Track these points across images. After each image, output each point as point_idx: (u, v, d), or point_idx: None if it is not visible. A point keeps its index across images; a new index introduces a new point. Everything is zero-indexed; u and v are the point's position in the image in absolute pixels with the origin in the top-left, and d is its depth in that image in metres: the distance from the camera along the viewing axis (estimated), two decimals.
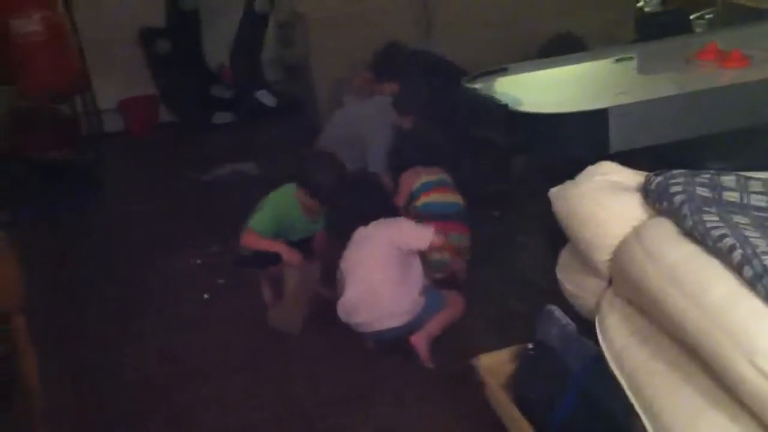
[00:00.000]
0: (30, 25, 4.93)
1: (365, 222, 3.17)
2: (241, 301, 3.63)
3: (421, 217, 3.44)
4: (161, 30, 6.24)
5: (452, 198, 3.61)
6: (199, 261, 4.13)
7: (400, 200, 3.59)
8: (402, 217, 3.32)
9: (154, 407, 2.98)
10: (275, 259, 3.39)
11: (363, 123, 4.23)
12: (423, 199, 3.56)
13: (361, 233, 3.18)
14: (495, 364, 2.65)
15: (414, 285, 3.11)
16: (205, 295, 3.78)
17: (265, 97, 6.39)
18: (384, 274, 3.06)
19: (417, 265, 3.16)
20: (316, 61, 5.07)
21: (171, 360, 3.30)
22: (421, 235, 3.11)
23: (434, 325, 3.07)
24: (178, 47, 6.21)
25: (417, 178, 3.61)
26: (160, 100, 6.50)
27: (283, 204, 3.52)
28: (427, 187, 3.59)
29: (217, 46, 6.37)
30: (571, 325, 2.43)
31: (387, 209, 3.30)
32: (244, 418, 2.87)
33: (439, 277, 3.37)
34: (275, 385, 3.04)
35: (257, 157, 5.37)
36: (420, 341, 3.02)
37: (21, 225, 4.50)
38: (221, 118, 6.34)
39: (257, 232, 3.42)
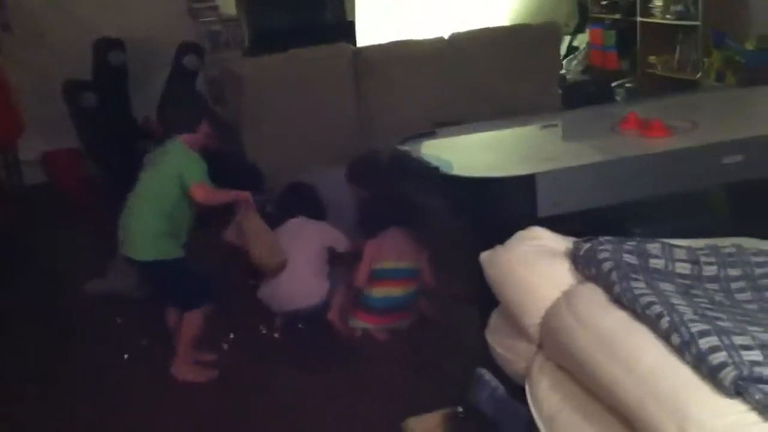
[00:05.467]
0: None
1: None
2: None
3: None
4: (87, 83, 6.15)
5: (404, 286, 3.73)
6: (119, 320, 4.02)
7: (361, 276, 3.68)
8: (326, 223, 3.88)
9: None
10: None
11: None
12: (375, 292, 3.68)
13: (293, 225, 3.80)
14: (425, 428, 2.63)
15: (324, 272, 3.75)
16: (125, 356, 3.68)
17: None
18: (308, 264, 3.69)
19: (326, 255, 3.78)
20: (247, 119, 5.05)
21: None
22: (342, 240, 3.80)
23: (339, 300, 3.71)
24: (104, 101, 6.12)
25: (379, 255, 3.68)
26: (84, 153, 6.38)
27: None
28: (382, 276, 3.68)
29: (145, 100, 6.31)
30: (501, 389, 2.44)
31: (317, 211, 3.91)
32: None
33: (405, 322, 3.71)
34: None
35: None
36: (334, 317, 3.69)
37: None
38: None
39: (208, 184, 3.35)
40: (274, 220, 3.82)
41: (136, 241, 3.37)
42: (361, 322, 3.68)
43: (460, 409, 2.53)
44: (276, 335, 3.72)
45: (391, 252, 3.69)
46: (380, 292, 3.67)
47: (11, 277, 4.70)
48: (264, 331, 3.74)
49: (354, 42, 6.71)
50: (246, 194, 3.50)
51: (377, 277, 3.67)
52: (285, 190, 4.03)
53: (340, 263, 3.82)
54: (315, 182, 4.10)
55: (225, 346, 3.66)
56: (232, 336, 3.70)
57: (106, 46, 6.07)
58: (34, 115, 6.04)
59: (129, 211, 3.39)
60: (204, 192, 3.30)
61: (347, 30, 6.99)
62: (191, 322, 3.39)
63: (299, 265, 3.68)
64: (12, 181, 5.98)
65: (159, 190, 3.36)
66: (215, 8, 6.76)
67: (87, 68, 6.12)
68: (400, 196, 3.69)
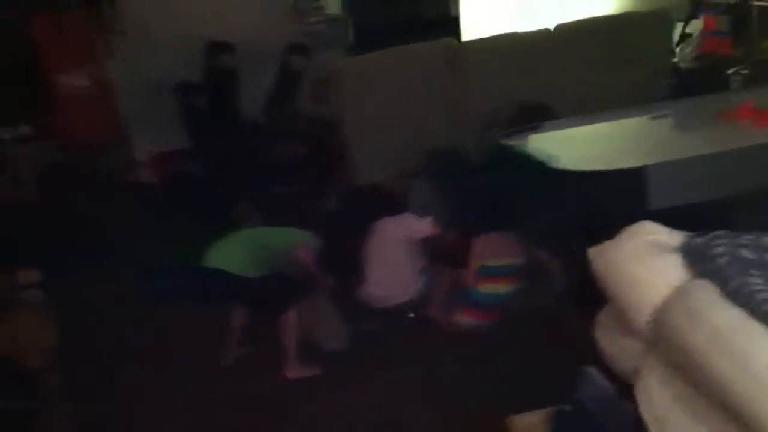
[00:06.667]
0: (78, 79, 4.96)
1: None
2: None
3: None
4: (198, 85, 6.30)
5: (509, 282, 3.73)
6: None
7: (469, 276, 3.71)
8: (406, 214, 3.96)
9: None
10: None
11: None
12: (483, 288, 3.68)
13: (378, 227, 3.92)
14: (529, 425, 2.59)
15: (416, 265, 3.85)
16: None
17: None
18: (394, 261, 3.80)
19: (417, 250, 3.86)
20: (351, 116, 5.09)
21: None
22: (425, 227, 3.81)
23: (441, 296, 3.81)
24: (214, 103, 6.27)
25: (485, 253, 3.69)
26: (194, 155, 6.54)
27: None
28: (489, 272, 3.68)
29: (254, 101, 6.42)
30: (609, 388, 2.37)
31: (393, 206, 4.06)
32: None
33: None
34: None
35: None
36: (437, 312, 3.78)
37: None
38: None
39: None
40: (353, 229, 4.03)
41: (236, 257, 3.61)
42: (466, 318, 3.66)
43: (567, 408, 2.47)
44: (378, 328, 3.74)
45: (497, 249, 3.66)
46: (487, 288, 3.64)
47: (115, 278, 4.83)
48: (366, 325, 3.76)
49: (458, 37, 6.67)
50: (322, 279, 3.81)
51: (483, 274, 3.65)
52: (356, 199, 4.30)
53: (439, 257, 3.83)
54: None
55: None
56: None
57: (217, 49, 6.22)
58: (146, 117, 6.26)
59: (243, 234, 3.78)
60: (306, 255, 3.69)
61: (451, 25, 6.96)
62: (288, 324, 3.53)
63: (390, 265, 3.78)
64: (127, 180, 6.18)
65: (270, 238, 3.79)
66: (320, 8, 6.83)
67: (196, 70, 6.27)
68: (503, 191, 3.65)
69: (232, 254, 3.61)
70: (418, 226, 3.84)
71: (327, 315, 3.76)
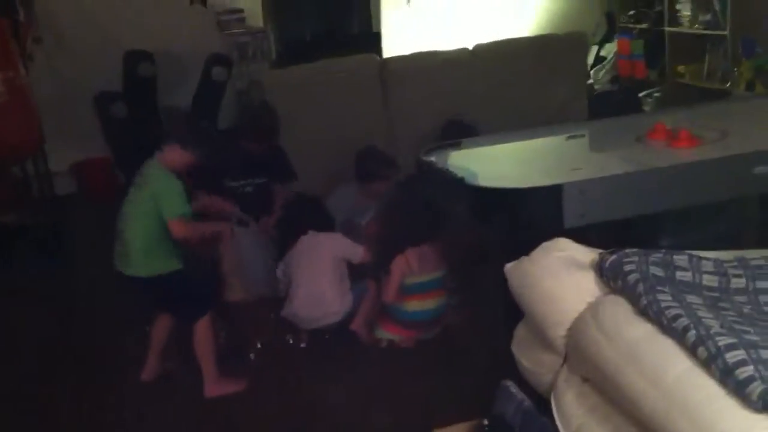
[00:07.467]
0: None
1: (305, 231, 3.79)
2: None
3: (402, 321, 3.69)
4: (117, 94, 6.22)
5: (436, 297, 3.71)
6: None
7: (390, 293, 3.64)
8: (338, 234, 3.88)
9: None
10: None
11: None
12: (407, 306, 3.65)
13: (304, 242, 3.75)
14: None
15: (346, 284, 3.73)
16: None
17: None
18: (326, 280, 3.67)
19: (345, 267, 3.76)
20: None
21: None
22: (356, 251, 3.74)
23: (365, 311, 3.70)
24: (134, 111, 6.18)
25: (408, 270, 3.65)
26: (114, 163, 6.45)
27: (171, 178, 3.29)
28: (413, 290, 3.65)
29: (174, 111, 6.36)
30: (527, 402, 2.41)
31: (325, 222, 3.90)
32: None
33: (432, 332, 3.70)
34: None
35: None
36: (359, 327, 3.68)
37: None
38: None
39: (188, 219, 3.22)
40: (282, 238, 3.93)
41: (129, 257, 3.29)
42: (388, 333, 3.67)
43: (485, 422, 2.51)
44: (302, 345, 3.73)
45: (420, 265, 3.66)
46: (413, 305, 3.64)
47: (40, 286, 4.73)
48: (290, 341, 3.74)
49: (380, 53, 6.73)
50: (224, 226, 3.67)
51: (409, 291, 3.64)
52: (289, 205, 4.09)
53: (363, 274, 3.81)
54: (338, 201, 4.22)
55: (252, 356, 3.66)
56: (259, 346, 3.70)
57: (136, 58, 6.14)
58: (64, 126, 6.13)
59: (120, 229, 3.32)
60: (180, 228, 3.19)
61: (373, 41, 7.02)
62: (201, 335, 3.31)
63: (318, 282, 3.67)
64: (43, 191, 6.02)
65: (145, 210, 3.26)
66: (243, 20, 6.81)
67: (117, 80, 6.19)
68: (425, 206, 3.68)
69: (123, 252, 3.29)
70: (350, 249, 3.78)
71: (251, 257, 3.75)
